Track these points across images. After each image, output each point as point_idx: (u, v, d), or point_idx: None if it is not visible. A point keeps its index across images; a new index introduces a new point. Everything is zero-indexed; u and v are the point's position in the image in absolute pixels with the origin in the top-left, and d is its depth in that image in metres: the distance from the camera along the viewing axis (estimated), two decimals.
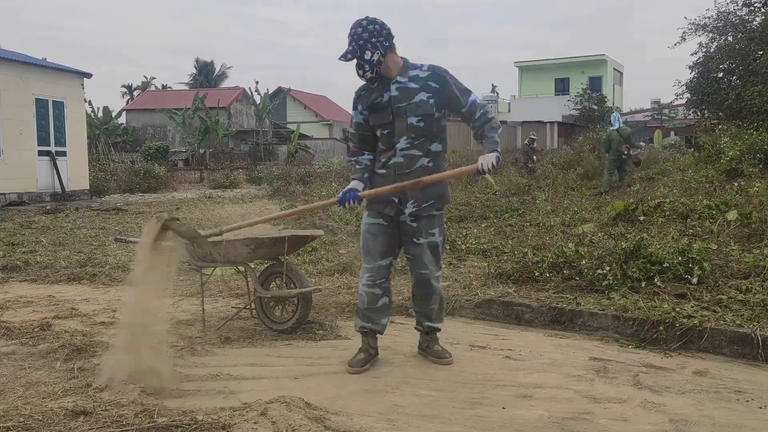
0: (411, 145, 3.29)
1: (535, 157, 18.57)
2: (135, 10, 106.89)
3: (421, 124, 3.27)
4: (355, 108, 3.42)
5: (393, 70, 3.30)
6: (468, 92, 3.34)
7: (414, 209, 3.33)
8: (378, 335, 3.52)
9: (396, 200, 3.34)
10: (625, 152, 12.88)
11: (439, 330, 3.59)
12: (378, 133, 3.36)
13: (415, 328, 3.65)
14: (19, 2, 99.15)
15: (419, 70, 3.31)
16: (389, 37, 3.26)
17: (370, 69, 3.24)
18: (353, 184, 3.38)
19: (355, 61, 3.24)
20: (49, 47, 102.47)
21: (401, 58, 3.35)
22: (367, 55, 3.21)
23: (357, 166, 3.45)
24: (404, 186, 3.24)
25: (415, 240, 3.36)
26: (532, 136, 19.55)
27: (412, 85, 3.28)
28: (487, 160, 3.14)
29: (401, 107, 3.26)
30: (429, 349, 3.55)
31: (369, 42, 3.20)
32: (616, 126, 13.37)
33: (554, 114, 34.66)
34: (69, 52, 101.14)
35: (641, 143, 15.10)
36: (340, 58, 3.25)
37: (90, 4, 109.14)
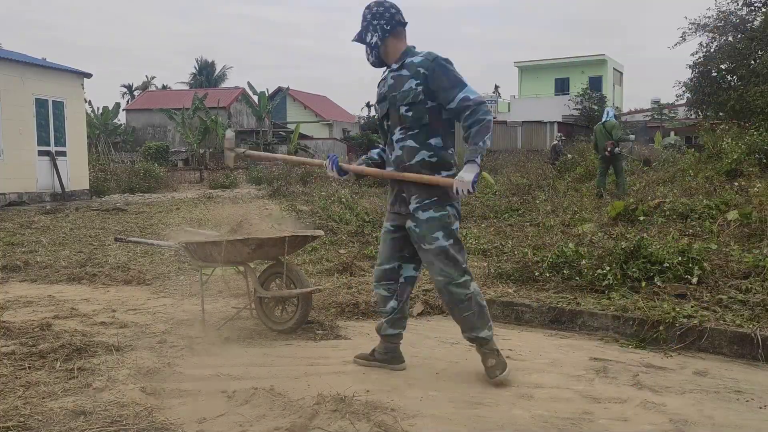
0: (405, 136, 3.14)
1: (568, 156, 18.54)
2: (135, 9, 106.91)
3: (410, 113, 3.10)
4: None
5: (392, 57, 3.19)
6: (460, 86, 3.05)
7: (416, 205, 3.13)
8: (387, 339, 3.42)
9: (405, 195, 3.19)
10: (608, 149, 11.51)
11: (486, 340, 3.18)
12: (384, 125, 3.28)
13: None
14: (21, 4, 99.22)
15: (414, 57, 3.15)
16: (391, 20, 3.14)
17: (370, 52, 3.19)
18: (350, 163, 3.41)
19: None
20: (48, 47, 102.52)
21: (406, 45, 3.21)
22: (368, 37, 3.17)
23: (363, 156, 3.47)
24: (383, 174, 3.26)
25: (423, 246, 3.15)
26: (561, 137, 19.59)
27: (405, 72, 3.13)
28: (463, 185, 2.92)
29: (394, 96, 3.14)
30: (483, 365, 3.19)
31: (371, 24, 3.15)
32: (604, 119, 12.25)
33: (554, 114, 34.66)
34: (69, 52, 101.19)
35: (630, 136, 13.17)
36: (353, 39, 3.25)
37: (90, 4, 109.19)
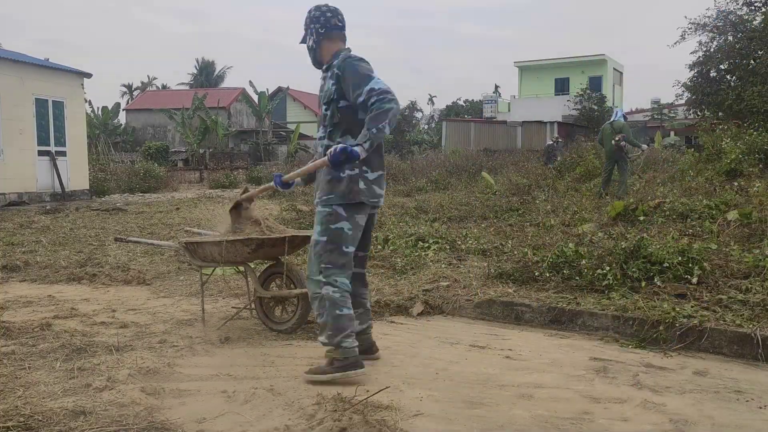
0: (324, 135, 3.27)
1: (559, 158, 18.53)
2: (135, 9, 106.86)
3: (327, 112, 3.22)
4: None
5: (326, 59, 3.29)
6: (368, 79, 3.05)
7: (316, 201, 3.29)
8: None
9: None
10: (616, 139, 11.51)
11: (325, 345, 3.20)
12: None
13: None
14: (22, 5, 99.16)
15: (337, 59, 3.23)
16: (326, 24, 3.26)
17: (309, 53, 3.35)
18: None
19: None
20: (48, 47, 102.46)
21: (340, 48, 3.29)
22: (306, 41, 3.33)
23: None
24: (294, 174, 3.38)
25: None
26: (558, 139, 19.60)
27: (328, 73, 3.26)
28: (330, 151, 2.95)
29: (320, 96, 3.32)
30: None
31: (308, 27, 3.31)
32: (612, 119, 12.19)
33: (554, 114, 34.64)
34: (69, 52, 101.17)
35: (642, 146, 13.01)
36: (299, 42, 3.39)
37: (90, 4, 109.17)
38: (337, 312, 3.15)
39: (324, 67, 3.31)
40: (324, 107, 3.24)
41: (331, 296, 3.16)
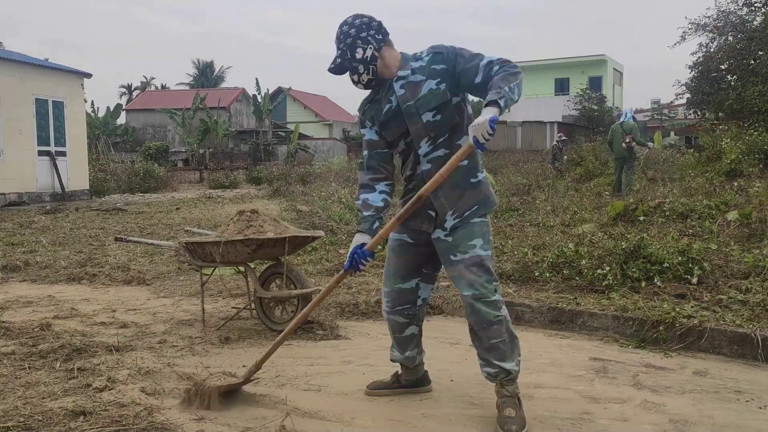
0: (434, 147, 2.69)
1: (565, 158, 18.48)
2: (135, 9, 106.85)
3: (438, 117, 2.67)
4: (363, 126, 2.86)
5: (392, 66, 2.75)
6: (479, 55, 2.63)
7: (455, 221, 2.70)
8: (408, 367, 3.04)
9: (433, 214, 2.72)
10: (626, 141, 11.74)
11: (510, 373, 2.69)
12: (399, 147, 2.79)
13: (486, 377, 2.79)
14: (23, 6, 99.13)
15: (420, 60, 2.74)
16: (380, 29, 2.75)
17: (365, 69, 2.72)
18: (358, 238, 2.73)
19: (348, 70, 2.74)
20: (48, 47, 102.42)
21: (400, 52, 2.81)
22: (359, 53, 2.70)
23: (365, 213, 2.77)
24: (412, 205, 2.64)
25: (452, 257, 2.69)
26: (561, 136, 19.58)
27: (417, 77, 2.70)
28: (479, 129, 2.37)
29: (411, 105, 2.68)
30: (498, 411, 2.67)
31: (358, 38, 2.71)
32: (622, 119, 12.37)
33: (554, 114, 34.64)
34: (69, 52, 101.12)
35: (649, 143, 13.45)
36: (329, 68, 2.78)
37: (90, 4, 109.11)
38: (514, 332, 2.75)
39: (400, 73, 2.74)
40: (431, 113, 2.66)
41: (507, 317, 2.71)
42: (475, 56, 2.63)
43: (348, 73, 2.75)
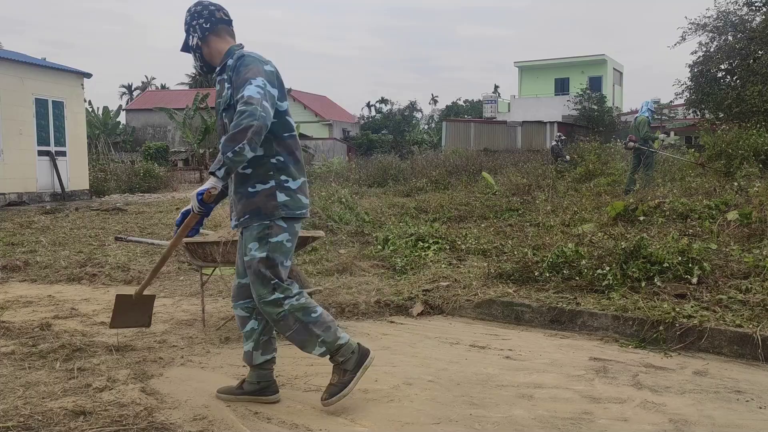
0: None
1: (567, 157, 18.34)
2: (135, 9, 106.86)
3: (227, 120, 2.78)
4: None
5: (216, 58, 2.88)
6: (246, 84, 2.65)
7: (235, 223, 2.87)
8: (250, 366, 2.99)
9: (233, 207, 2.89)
10: (624, 142, 11.74)
11: (325, 356, 2.87)
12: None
13: None
14: (24, 8, 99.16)
15: (231, 58, 2.83)
16: (211, 18, 2.86)
17: (194, 55, 2.90)
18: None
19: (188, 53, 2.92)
20: (49, 47, 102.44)
21: (231, 44, 2.89)
22: (190, 40, 2.88)
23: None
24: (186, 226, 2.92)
25: (244, 257, 2.84)
26: (560, 136, 19.52)
27: (224, 75, 2.83)
28: (192, 201, 2.65)
29: (218, 103, 2.86)
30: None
31: (190, 25, 2.87)
32: (638, 114, 12.10)
33: (554, 114, 34.64)
34: (69, 53, 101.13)
35: (660, 136, 13.09)
36: (180, 50, 2.96)
37: (90, 3, 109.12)
38: (313, 315, 2.82)
39: (217, 69, 2.89)
40: (222, 114, 2.82)
41: (300, 305, 2.80)
42: (244, 83, 2.65)
43: None
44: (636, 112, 39.39)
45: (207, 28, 2.86)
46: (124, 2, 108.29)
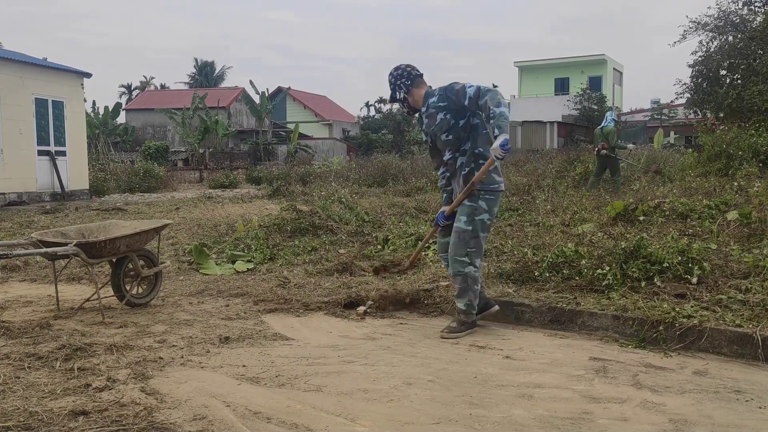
0: (457, 154, 4.04)
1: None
2: (135, 9, 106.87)
3: (450, 137, 4.00)
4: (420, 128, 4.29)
5: (419, 102, 4.11)
6: (466, 86, 3.85)
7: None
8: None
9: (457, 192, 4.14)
10: (597, 148, 12.42)
11: (461, 310, 4.07)
12: (436, 149, 4.18)
13: None
14: (22, 4, 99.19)
15: (434, 97, 4.02)
16: (410, 76, 4.09)
17: (402, 105, 4.18)
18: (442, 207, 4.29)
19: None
20: (48, 46, 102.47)
21: (426, 89, 4.10)
22: (398, 95, 4.14)
23: (440, 183, 4.33)
24: (467, 191, 3.96)
25: (454, 224, 4.05)
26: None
27: (431, 110, 4.04)
28: (495, 151, 3.66)
29: (434, 129, 4.05)
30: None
31: (395, 84, 4.12)
32: (603, 124, 12.96)
33: (554, 114, 34.67)
34: (68, 52, 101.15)
35: (629, 144, 13.87)
36: (388, 102, 4.11)
37: (90, 4, 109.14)
38: (476, 287, 4.05)
39: (423, 109, 4.10)
40: (444, 135, 4.00)
41: (475, 276, 4.04)
42: (462, 89, 3.88)
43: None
44: (636, 112, 39.44)
45: (409, 84, 4.10)
46: (125, 2, 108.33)
